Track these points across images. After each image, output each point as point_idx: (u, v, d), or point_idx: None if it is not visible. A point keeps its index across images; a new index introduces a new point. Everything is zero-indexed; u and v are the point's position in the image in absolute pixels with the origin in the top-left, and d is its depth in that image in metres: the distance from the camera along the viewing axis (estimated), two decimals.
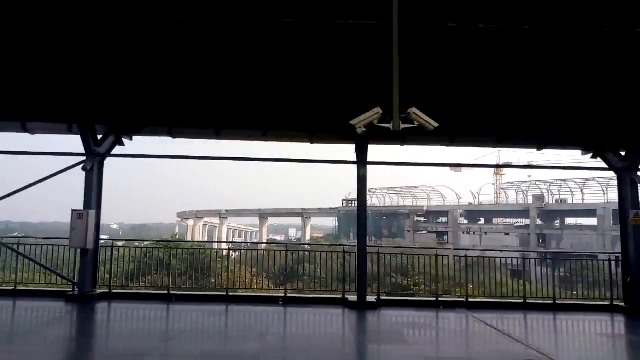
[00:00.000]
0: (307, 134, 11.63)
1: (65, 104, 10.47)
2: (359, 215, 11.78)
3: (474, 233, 68.54)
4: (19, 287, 11.34)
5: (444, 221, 79.76)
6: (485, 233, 67.25)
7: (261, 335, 7.99)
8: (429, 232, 74.15)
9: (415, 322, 9.64)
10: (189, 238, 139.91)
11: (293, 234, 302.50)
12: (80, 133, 10.78)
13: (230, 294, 11.41)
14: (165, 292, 11.23)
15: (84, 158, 10.87)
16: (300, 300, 11.25)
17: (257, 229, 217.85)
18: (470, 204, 74.05)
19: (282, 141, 12.40)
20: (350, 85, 9.88)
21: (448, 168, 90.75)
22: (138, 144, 12.87)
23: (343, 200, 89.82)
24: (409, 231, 74.89)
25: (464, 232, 69.77)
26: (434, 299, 11.18)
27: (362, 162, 11.31)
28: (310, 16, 8.54)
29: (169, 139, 11.51)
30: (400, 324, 9.45)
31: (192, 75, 9.99)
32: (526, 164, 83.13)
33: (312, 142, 11.68)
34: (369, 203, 70.20)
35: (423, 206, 76.81)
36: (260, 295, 11.77)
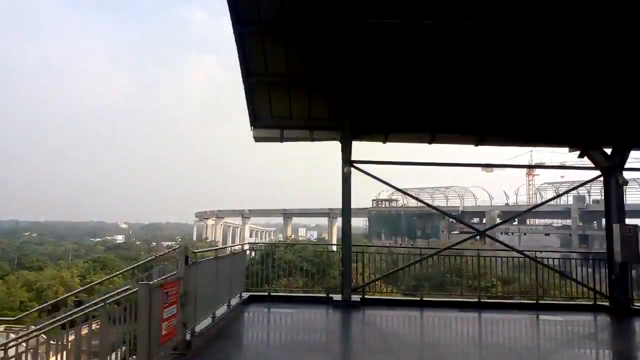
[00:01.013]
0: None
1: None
2: None
3: (512, 234, 68.60)
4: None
5: (475, 221, 79.98)
6: (524, 234, 67.36)
7: None
8: (462, 232, 74.27)
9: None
10: (210, 239, 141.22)
11: (303, 233, 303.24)
12: None
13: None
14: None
15: None
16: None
17: (271, 229, 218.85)
18: (506, 204, 74.18)
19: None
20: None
21: (479, 168, 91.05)
22: None
23: (373, 200, 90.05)
24: (443, 232, 75.18)
25: (501, 233, 69.78)
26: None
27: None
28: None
29: None
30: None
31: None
32: (558, 164, 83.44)
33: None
34: (400, 203, 70.16)
35: (458, 207, 77.03)
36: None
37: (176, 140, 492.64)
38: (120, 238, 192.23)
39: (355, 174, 10.94)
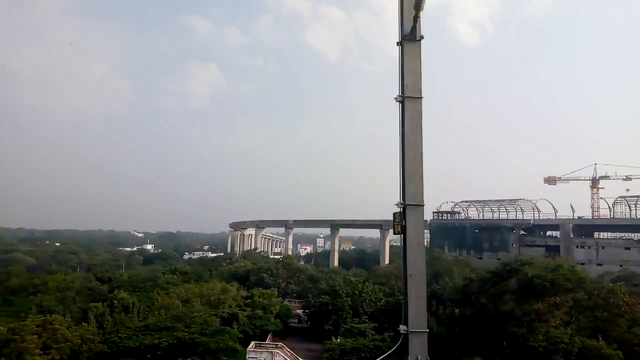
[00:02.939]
0: None
1: None
2: None
3: (589, 247, 69.82)
4: None
5: (539, 234, 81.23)
6: (602, 247, 68.51)
7: None
8: (534, 245, 75.55)
9: None
10: (246, 249, 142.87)
11: (321, 243, 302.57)
12: None
13: None
14: None
15: None
16: None
17: (281, 238, 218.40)
18: (578, 217, 75.40)
19: None
20: None
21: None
22: None
23: (433, 212, 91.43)
24: (513, 245, 76.48)
25: (577, 247, 71.07)
26: None
27: None
28: None
29: None
30: None
31: None
32: (624, 177, 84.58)
33: None
34: (463, 216, 72.28)
35: (529, 220, 78.25)
36: None
37: (185, 147, 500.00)
38: (150, 247, 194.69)
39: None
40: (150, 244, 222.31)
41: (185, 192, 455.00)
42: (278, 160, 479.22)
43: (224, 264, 72.47)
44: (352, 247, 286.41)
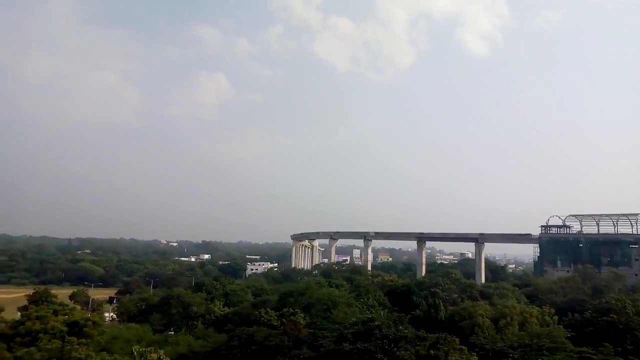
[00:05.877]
0: None
1: None
2: None
3: None
4: None
5: None
6: None
7: None
8: None
9: None
10: (316, 262, 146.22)
11: (358, 255, 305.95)
12: None
13: None
14: None
15: None
16: None
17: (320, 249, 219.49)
18: None
19: None
20: None
21: None
22: None
23: (541, 227, 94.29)
24: (637, 260, 79.26)
25: None
26: None
27: None
28: None
29: None
30: None
31: None
32: None
33: None
34: (576, 229, 75.16)
35: None
36: None
37: (194, 156, 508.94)
38: (206, 257, 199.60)
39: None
40: (187, 254, 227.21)
41: (189, 200, 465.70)
42: (285, 170, 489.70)
43: (370, 278, 75.40)
44: (390, 259, 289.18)
